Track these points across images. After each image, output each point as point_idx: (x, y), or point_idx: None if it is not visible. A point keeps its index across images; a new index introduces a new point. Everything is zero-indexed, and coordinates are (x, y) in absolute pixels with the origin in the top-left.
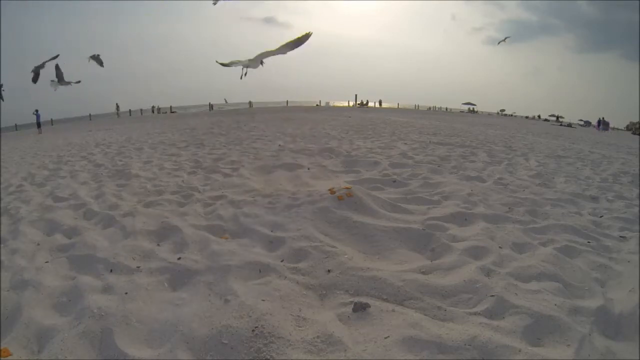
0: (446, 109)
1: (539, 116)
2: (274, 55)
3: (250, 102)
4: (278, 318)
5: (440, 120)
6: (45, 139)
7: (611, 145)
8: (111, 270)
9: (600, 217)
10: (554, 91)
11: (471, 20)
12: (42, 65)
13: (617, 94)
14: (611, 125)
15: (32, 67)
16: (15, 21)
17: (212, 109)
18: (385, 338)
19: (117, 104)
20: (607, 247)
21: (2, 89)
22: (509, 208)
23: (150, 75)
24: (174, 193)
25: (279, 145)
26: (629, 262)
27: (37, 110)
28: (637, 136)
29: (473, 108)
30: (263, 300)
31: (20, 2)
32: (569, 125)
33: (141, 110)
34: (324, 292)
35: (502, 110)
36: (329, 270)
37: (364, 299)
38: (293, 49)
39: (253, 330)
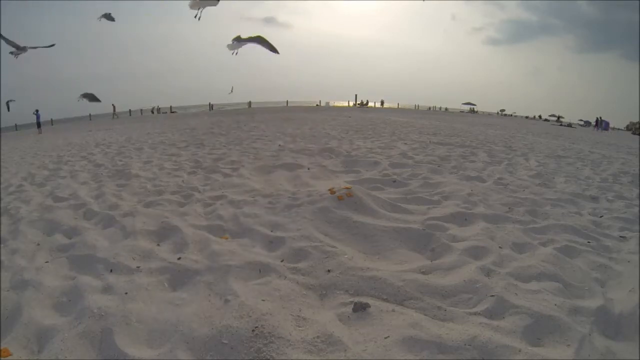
0: (446, 109)
1: (539, 116)
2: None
3: (249, 103)
4: (278, 318)
5: (440, 120)
6: (45, 139)
7: (611, 145)
8: (111, 270)
9: (600, 217)
10: (554, 91)
11: (471, 20)
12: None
13: (617, 94)
14: (611, 125)
15: (30, 67)
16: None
17: (212, 109)
18: (385, 338)
19: (113, 104)
20: (607, 247)
21: (9, 102)
22: (509, 208)
23: (150, 75)
24: (174, 193)
25: (279, 145)
26: (629, 262)
27: (37, 110)
28: (637, 136)
29: (473, 108)
30: (263, 300)
31: (20, 2)
32: (569, 125)
33: (141, 110)
34: (324, 292)
35: (502, 110)
36: (329, 270)
37: (364, 299)
38: (262, 43)
39: (253, 330)
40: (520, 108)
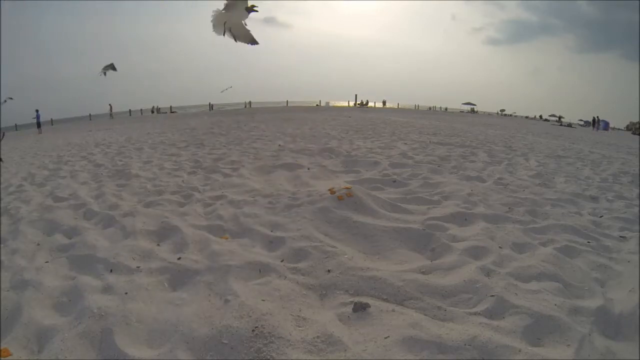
0: (446, 109)
1: (540, 116)
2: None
3: (247, 103)
4: (278, 318)
5: (440, 120)
6: (45, 139)
7: (611, 145)
8: (111, 270)
9: (600, 217)
10: (554, 91)
11: (471, 20)
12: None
13: (617, 94)
14: (611, 125)
15: (30, 67)
16: (15, 21)
17: (212, 109)
18: (385, 338)
19: (110, 104)
20: (607, 247)
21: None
22: (509, 208)
23: (150, 75)
24: (174, 193)
25: (279, 145)
26: (629, 262)
27: (37, 110)
28: (637, 136)
29: (473, 108)
30: (263, 300)
31: (20, 2)
32: (569, 125)
33: (141, 110)
34: (324, 292)
35: (502, 110)
36: (329, 270)
37: (364, 299)
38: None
39: (253, 330)
40: (520, 108)
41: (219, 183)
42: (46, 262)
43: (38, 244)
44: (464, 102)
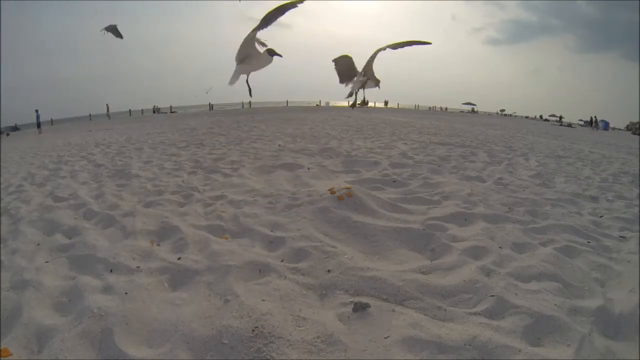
0: (446, 109)
1: (540, 116)
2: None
3: (248, 103)
4: (278, 318)
5: (440, 120)
6: (45, 139)
7: (611, 145)
8: (111, 270)
9: (600, 217)
10: (554, 91)
11: (471, 20)
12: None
13: (617, 94)
14: (611, 125)
15: (30, 67)
16: (15, 21)
17: (212, 109)
18: (385, 338)
19: (107, 104)
20: (607, 247)
21: None
22: (509, 208)
23: (150, 75)
24: (174, 193)
25: (279, 145)
26: (629, 262)
27: (37, 111)
28: (637, 136)
29: (474, 108)
30: (263, 300)
31: (20, 2)
32: (569, 125)
33: (142, 110)
34: (324, 292)
35: (502, 110)
36: (329, 270)
37: (364, 299)
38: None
39: (253, 330)
40: (521, 108)
41: (219, 183)
42: (46, 262)
43: (38, 244)
44: (464, 102)
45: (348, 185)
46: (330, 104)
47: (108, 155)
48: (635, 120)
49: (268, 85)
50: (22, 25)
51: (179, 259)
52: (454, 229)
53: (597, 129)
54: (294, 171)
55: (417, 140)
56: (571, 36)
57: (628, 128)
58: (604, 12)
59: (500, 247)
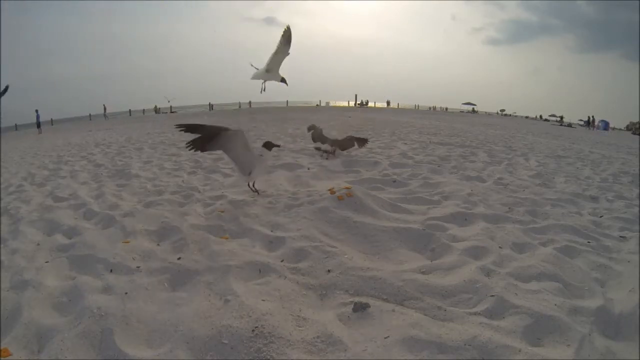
0: (446, 109)
1: (540, 116)
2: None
3: (246, 103)
4: (278, 318)
5: (441, 120)
6: (45, 139)
7: (611, 145)
8: (111, 270)
9: (600, 217)
10: (554, 91)
11: (471, 20)
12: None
13: (617, 94)
14: (611, 125)
15: (30, 68)
16: (15, 21)
17: (212, 108)
18: (385, 338)
19: (104, 105)
20: (607, 247)
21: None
22: (509, 208)
23: (150, 75)
24: (174, 193)
25: (279, 145)
26: (629, 262)
27: (37, 111)
28: (637, 136)
29: (474, 108)
30: (263, 300)
31: (20, 2)
32: (569, 125)
33: (144, 110)
34: (324, 292)
35: (502, 110)
36: (329, 270)
37: (364, 299)
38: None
39: (253, 330)
40: (521, 108)
41: (219, 183)
42: (46, 262)
43: (38, 244)
44: (464, 102)
45: (348, 185)
46: (330, 104)
47: (108, 155)
48: (635, 120)
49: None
50: (22, 25)
51: (179, 259)
52: (454, 229)
53: (598, 128)
54: (294, 171)
55: (417, 140)
56: (571, 36)
57: (628, 128)
58: (604, 12)
59: (500, 247)
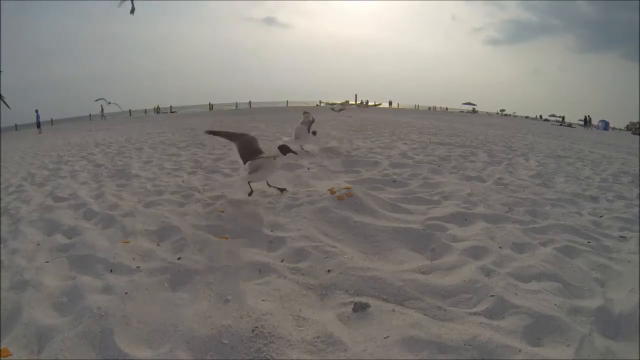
0: (446, 109)
1: (540, 116)
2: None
3: (245, 103)
4: (278, 318)
5: (441, 120)
6: (45, 139)
7: (611, 145)
8: (111, 270)
9: (600, 217)
10: (554, 91)
11: (471, 20)
12: None
13: (617, 94)
14: (611, 125)
15: (30, 68)
16: (15, 21)
17: (212, 109)
18: (385, 338)
19: (101, 105)
20: (607, 247)
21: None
22: (509, 208)
23: (150, 75)
24: (174, 193)
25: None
26: (629, 262)
27: (36, 111)
28: (637, 136)
29: (474, 108)
30: (263, 300)
31: (20, 2)
32: (569, 125)
33: (146, 110)
34: (324, 292)
35: (502, 110)
36: (329, 270)
37: (364, 299)
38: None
39: (253, 330)
40: (521, 108)
41: (219, 183)
42: (46, 262)
43: (38, 244)
44: (464, 102)
45: (348, 185)
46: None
47: (108, 155)
48: (635, 120)
49: (268, 85)
50: (22, 25)
51: (179, 259)
52: (454, 229)
53: (598, 128)
54: (294, 171)
55: (417, 140)
56: (571, 36)
57: (628, 128)
58: (604, 12)
59: (500, 247)
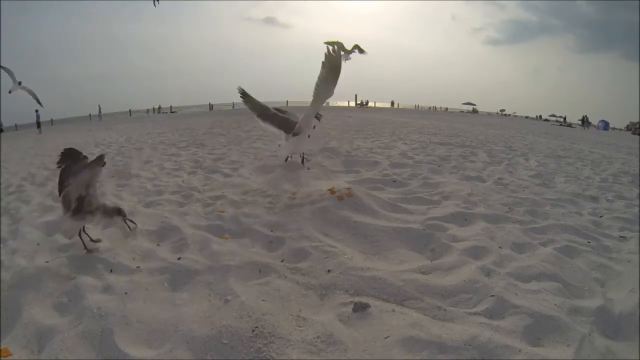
0: (446, 109)
1: (540, 116)
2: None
3: (235, 103)
4: (278, 318)
5: (441, 120)
6: (45, 139)
7: (611, 145)
8: (111, 270)
9: (600, 217)
10: (554, 91)
11: (471, 20)
12: None
13: (617, 94)
14: (611, 125)
15: (30, 68)
16: (15, 21)
17: (212, 109)
18: (385, 338)
19: (99, 105)
20: (607, 247)
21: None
22: (509, 208)
23: (150, 75)
24: (174, 193)
25: (279, 145)
26: (629, 262)
27: (36, 111)
28: (637, 136)
29: (474, 108)
30: (263, 300)
31: (20, 2)
32: (569, 125)
33: (147, 110)
34: (324, 292)
35: (502, 110)
36: (329, 270)
37: (364, 299)
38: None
39: (253, 330)
40: (521, 108)
41: (219, 183)
42: (46, 262)
43: (38, 244)
44: (464, 102)
45: (348, 185)
46: (330, 104)
47: (108, 155)
48: (635, 120)
49: (268, 85)
50: (22, 25)
51: (179, 259)
52: (454, 229)
53: (598, 128)
54: (294, 171)
55: (417, 140)
56: (571, 36)
57: (628, 128)
58: (604, 12)
59: (500, 247)
